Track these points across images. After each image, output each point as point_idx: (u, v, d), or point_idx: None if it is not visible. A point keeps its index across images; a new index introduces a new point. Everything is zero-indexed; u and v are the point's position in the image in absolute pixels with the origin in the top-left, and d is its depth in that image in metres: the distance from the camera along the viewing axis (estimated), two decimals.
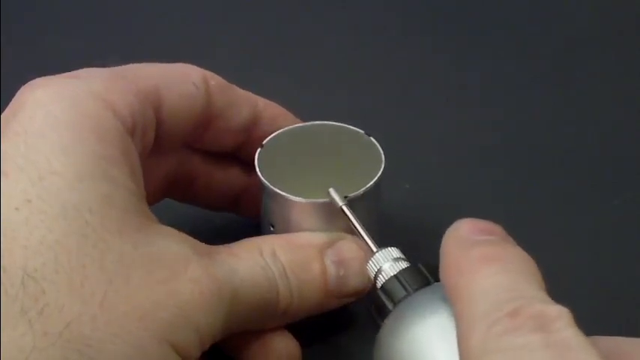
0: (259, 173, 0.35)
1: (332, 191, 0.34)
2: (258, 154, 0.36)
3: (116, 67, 0.34)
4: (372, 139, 0.36)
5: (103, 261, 0.28)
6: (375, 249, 0.32)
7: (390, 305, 0.29)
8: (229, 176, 0.39)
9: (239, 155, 0.38)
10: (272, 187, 0.34)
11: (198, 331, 0.29)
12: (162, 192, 0.38)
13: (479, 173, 0.46)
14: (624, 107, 0.51)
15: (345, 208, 0.34)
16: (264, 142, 0.37)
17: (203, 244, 0.32)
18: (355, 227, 0.34)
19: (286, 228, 0.35)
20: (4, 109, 0.32)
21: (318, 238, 0.34)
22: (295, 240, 0.34)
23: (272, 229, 0.36)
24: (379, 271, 0.31)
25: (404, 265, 0.31)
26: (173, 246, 0.30)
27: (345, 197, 0.34)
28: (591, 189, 0.45)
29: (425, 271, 0.30)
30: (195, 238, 0.32)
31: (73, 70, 0.34)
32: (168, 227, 0.31)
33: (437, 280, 0.29)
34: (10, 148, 0.29)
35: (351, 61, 0.56)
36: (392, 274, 0.30)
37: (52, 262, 0.27)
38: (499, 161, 0.47)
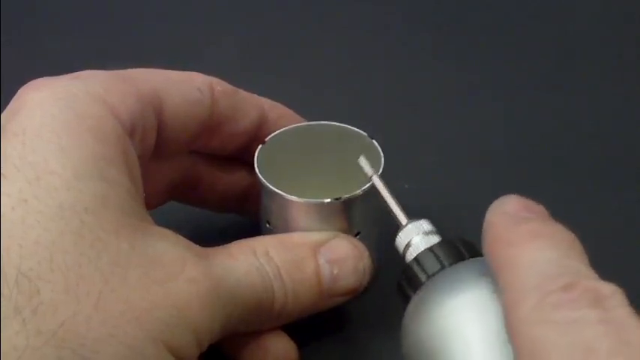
0: (257, 170, 0.35)
1: (362, 160, 0.34)
2: (259, 151, 0.36)
3: (119, 70, 0.34)
4: (374, 141, 0.36)
5: (99, 261, 0.28)
6: (404, 221, 0.32)
7: (423, 277, 0.29)
8: (234, 178, 0.39)
9: (244, 157, 0.38)
10: (268, 184, 0.35)
11: (195, 332, 0.29)
12: (167, 195, 0.38)
13: (478, 173, 0.46)
14: (624, 107, 0.51)
15: (375, 178, 0.34)
16: (267, 139, 0.37)
17: (198, 246, 0.32)
18: (384, 199, 0.33)
19: (281, 225, 0.35)
20: (4, 110, 0.32)
21: (311, 237, 0.34)
22: (288, 239, 0.34)
23: (268, 225, 0.36)
24: (409, 243, 0.31)
25: (436, 238, 0.31)
26: (170, 247, 0.30)
27: (338, 199, 0.34)
28: (591, 189, 0.45)
29: (460, 246, 0.30)
30: (196, 238, 0.32)
31: (73, 70, 0.34)
32: (165, 229, 0.31)
33: (472, 255, 0.29)
34: (9, 148, 0.29)
35: (351, 61, 0.56)
36: (425, 247, 0.30)
37: (48, 262, 0.27)
38: (499, 161, 0.47)
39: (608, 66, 0.55)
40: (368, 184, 0.34)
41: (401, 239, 0.31)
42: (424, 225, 0.31)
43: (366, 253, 0.35)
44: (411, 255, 0.31)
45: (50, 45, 0.57)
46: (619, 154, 0.48)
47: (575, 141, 0.49)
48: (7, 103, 0.32)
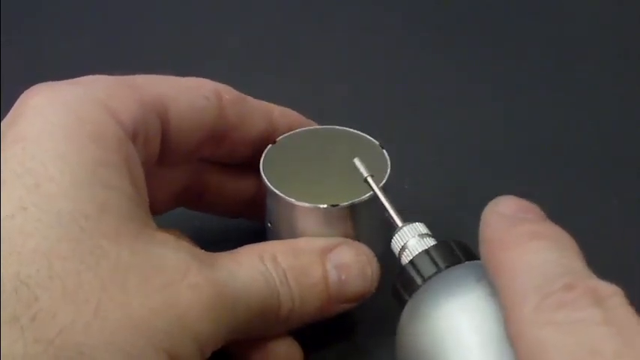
0: (262, 169, 0.35)
1: (357, 161, 0.34)
2: (267, 150, 0.36)
3: (123, 76, 0.34)
4: (384, 151, 0.36)
5: (98, 267, 0.27)
6: (400, 223, 0.32)
7: (419, 280, 0.29)
8: (242, 185, 0.39)
9: (252, 164, 0.37)
10: (269, 184, 0.34)
11: (197, 340, 0.29)
12: (174, 201, 0.38)
13: (479, 173, 0.46)
14: (624, 107, 0.51)
15: (369, 180, 0.34)
16: (277, 139, 0.37)
17: (203, 251, 0.31)
18: (379, 199, 0.33)
19: (281, 227, 0.35)
20: (4, 113, 0.32)
21: (318, 242, 0.34)
22: (296, 245, 0.34)
23: (270, 226, 0.36)
24: (404, 246, 0.31)
25: (431, 241, 0.31)
26: (172, 253, 0.30)
27: (335, 205, 0.34)
28: (591, 189, 0.45)
29: (456, 249, 0.29)
30: (197, 240, 0.32)
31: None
32: (168, 234, 0.31)
33: (468, 259, 0.29)
34: (9, 155, 0.29)
35: (351, 61, 0.56)
36: (421, 250, 0.30)
37: (46, 269, 0.27)
38: (499, 161, 0.47)
39: (608, 66, 0.55)
40: (368, 194, 0.34)
41: (396, 241, 0.31)
42: (419, 227, 0.31)
43: (374, 259, 0.34)
44: (406, 258, 0.30)
45: (50, 45, 0.57)
46: (619, 154, 0.48)
47: (575, 141, 0.49)
48: (7, 102, 0.32)
